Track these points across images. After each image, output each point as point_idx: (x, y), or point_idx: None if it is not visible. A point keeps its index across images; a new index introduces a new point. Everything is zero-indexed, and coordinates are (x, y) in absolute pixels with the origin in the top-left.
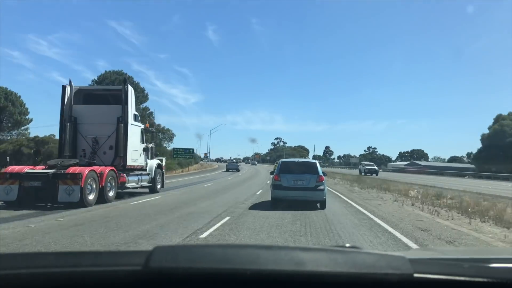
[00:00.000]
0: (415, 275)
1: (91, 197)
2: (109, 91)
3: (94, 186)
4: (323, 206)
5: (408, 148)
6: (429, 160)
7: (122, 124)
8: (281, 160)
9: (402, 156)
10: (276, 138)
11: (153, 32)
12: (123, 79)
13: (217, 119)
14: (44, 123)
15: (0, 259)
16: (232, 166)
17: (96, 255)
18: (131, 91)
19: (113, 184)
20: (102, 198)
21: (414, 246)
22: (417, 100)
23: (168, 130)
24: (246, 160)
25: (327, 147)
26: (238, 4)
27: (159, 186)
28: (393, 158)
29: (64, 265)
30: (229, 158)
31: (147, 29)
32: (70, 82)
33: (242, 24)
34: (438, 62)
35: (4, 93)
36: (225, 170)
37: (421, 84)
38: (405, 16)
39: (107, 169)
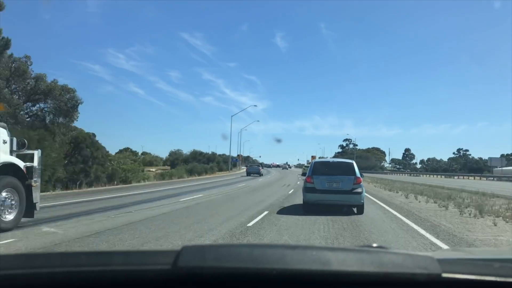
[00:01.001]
0: (444, 275)
1: None
2: None
3: None
4: (360, 211)
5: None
6: None
7: None
8: (314, 160)
9: (507, 159)
10: (345, 140)
11: (222, 41)
12: None
13: (285, 125)
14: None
15: (35, 258)
16: (253, 170)
17: (127, 254)
18: None
19: None
20: None
21: None
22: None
23: (63, 90)
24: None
25: (407, 150)
26: (306, 9)
27: (9, 217)
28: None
29: (96, 264)
30: (285, 163)
31: (217, 39)
32: None
33: (310, 29)
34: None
35: None
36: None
37: (502, 81)
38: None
39: None
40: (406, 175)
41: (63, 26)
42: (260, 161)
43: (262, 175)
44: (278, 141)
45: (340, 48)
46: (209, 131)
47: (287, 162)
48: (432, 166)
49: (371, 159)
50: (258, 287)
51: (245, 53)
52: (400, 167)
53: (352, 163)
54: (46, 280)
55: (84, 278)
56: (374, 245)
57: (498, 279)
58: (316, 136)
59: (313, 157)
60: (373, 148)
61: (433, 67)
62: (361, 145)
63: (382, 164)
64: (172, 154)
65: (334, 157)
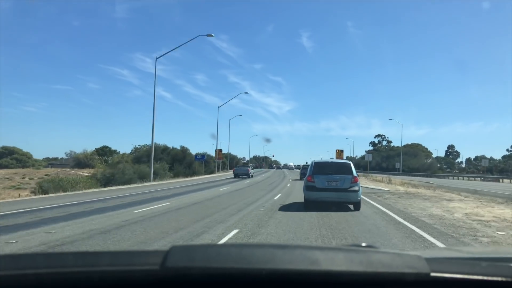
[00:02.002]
0: (432, 274)
1: None
2: None
3: None
4: (357, 208)
5: None
6: None
7: None
8: (314, 161)
9: None
10: (377, 136)
11: (248, 43)
12: None
13: (311, 126)
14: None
15: (20, 259)
16: (241, 171)
17: (114, 255)
18: None
19: None
20: None
21: None
22: None
23: None
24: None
25: (450, 147)
26: (334, 8)
27: None
28: None
29: (83, 265)
30: (305, 163)
31: (243, 41)
32: None
33: (337, 28)
34: None
35: None
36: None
37: None
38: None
39: None
40: (487, 180)
41: (91, 31)
42: (283, 162)
43: (252, 176)
44: (267, 140)
45: (368, 47)
46: (232, 132)
47: (306, 162)
48: (484, 166)
49: (420, 156)
50: (247, 287)
51: (271, 55)
52: (445, 167)
53: (350, 163)
54: (32, 281)
55: (71, 279)
56: (363, 244)
57: (485, 278)
58: (343, 137)
59: (338, 152)
60: (412, 144)
61: (463, 65)
62: (393, 143)
63: (436, 164)
64: (136, 150)
65: (365, 156)
